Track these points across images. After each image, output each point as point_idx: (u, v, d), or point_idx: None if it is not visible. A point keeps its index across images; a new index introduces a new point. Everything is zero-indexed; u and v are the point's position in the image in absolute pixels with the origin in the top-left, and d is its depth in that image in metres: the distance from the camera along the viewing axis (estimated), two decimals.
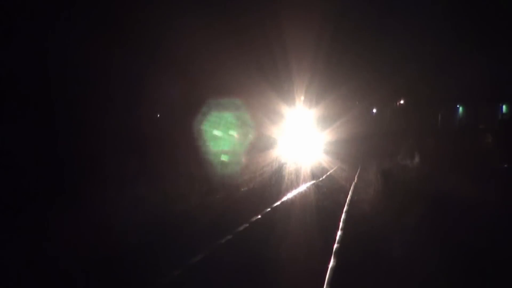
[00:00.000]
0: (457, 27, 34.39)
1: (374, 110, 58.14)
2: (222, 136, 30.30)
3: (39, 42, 18.45)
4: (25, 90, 17.63)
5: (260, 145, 36.68)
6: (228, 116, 30.30)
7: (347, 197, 22.07)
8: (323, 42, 38.27)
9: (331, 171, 36.01)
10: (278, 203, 20.05)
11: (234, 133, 31.98)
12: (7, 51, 17.35)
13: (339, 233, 13.86)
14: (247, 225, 14.96)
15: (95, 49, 20.50)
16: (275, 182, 27.70)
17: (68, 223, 13.43)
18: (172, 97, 26.93)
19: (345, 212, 17.72)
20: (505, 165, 27.72)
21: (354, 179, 30.62)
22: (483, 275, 9.74)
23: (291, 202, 21.03)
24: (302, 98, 44.15)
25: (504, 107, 35.51)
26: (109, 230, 13.49)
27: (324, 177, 32.53)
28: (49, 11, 19.32)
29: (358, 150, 48.41)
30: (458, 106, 41.12)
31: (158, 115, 28.15)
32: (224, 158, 28.90)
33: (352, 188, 25.71)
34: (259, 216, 16.59)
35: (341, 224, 15.23)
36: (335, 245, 12.19)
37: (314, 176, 32.05)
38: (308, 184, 27.93)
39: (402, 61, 42.08)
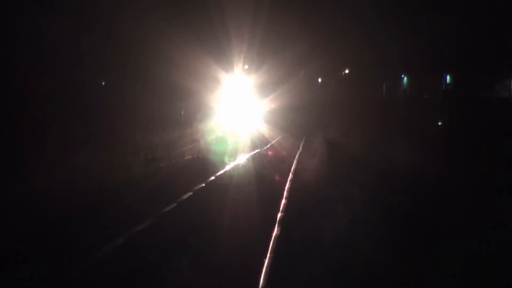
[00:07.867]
0: None
1: (319, 80, 58.09)
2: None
3: None
4: None
5: (199, 115, 36.44)
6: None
7: (291, 166, 22.19)
8: (264, 5, 37.71)
9: (273, 141, 36.07)
10: (221, 171, 20.03)
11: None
12: None
13: (283, 201, 13.84)
14: (191, 193, 14.87)
15: (34, 15, 19.92)
16: (218, 151, 27.59)
17: (5, 191, 13.13)
18: (113, 65, 26.46)
19: (290, 181, 17.74)
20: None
21: (299, 148, 30.82)
22: (424, 241, 9.94)
23: (234, 171, 21.03)
24: (246, 66, 43.34)
25: (448, 77, 36.05)
26: (49, 198, 13.23)
27: (268, 146, 32.62)
28: None
29: (302, 119, 48.30)
30: (402, 76, 41.54)
31: (103, 83, 27.60)
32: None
33: (296, 157, 25.85)
34: (203, 185, 16.53)
35: (285, 193, 15.23)
36: (279, 214, 12.15)
37: (257, 145, 32.07)
38: (252, 153, 27.95)
39: (346, 26, 41.88)
